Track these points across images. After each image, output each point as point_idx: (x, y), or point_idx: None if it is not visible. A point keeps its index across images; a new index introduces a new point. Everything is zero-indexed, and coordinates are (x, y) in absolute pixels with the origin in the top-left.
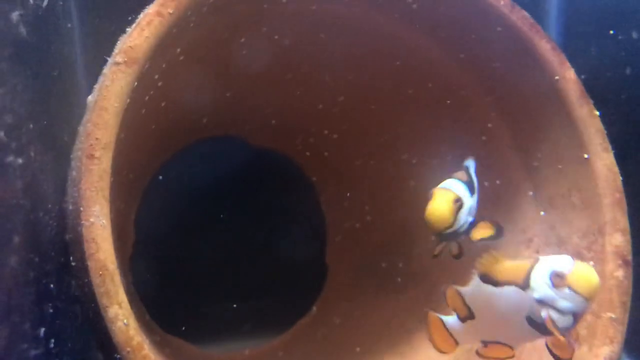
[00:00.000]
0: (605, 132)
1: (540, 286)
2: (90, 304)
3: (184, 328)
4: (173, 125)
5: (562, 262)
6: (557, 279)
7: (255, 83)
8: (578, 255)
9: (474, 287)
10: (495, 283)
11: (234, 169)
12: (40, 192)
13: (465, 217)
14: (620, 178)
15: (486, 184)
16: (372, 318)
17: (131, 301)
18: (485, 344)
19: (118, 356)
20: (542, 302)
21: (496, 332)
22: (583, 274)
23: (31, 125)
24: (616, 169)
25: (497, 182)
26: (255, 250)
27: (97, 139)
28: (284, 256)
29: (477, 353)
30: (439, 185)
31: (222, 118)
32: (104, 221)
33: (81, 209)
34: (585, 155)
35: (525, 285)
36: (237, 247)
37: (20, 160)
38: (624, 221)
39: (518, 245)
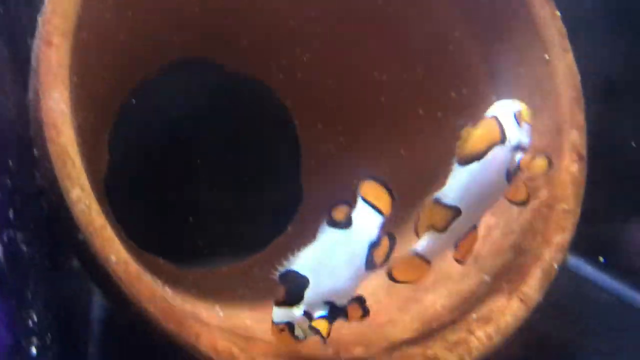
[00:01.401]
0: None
1: (513, 132)
2: (52, 190)
3: (160, 248)
4: (143, 41)
5: (511, 104)
6: (519, 119)
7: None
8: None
9: (454, 182)
10: (478, 155)
11: (208, 93)
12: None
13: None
14: (579, 77)
15: (453, 94)
16: None
17: (106, 219)
18: (457, 244)
19: (81, 237)
20: (516, 147)
21: (480, 215)
22: (525, 106)
23: None
24: (575, 68)
25: (464, 91)
26: (231, 174)
27: (55, 25)
28: (259, 179)
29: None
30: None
31: (193, 37)
32: (63, 107)
33: (40, 95)
34: (546, 57)
35: (504, 137)
36: (213, 171)
37: None
38: (580, 118)
39: None
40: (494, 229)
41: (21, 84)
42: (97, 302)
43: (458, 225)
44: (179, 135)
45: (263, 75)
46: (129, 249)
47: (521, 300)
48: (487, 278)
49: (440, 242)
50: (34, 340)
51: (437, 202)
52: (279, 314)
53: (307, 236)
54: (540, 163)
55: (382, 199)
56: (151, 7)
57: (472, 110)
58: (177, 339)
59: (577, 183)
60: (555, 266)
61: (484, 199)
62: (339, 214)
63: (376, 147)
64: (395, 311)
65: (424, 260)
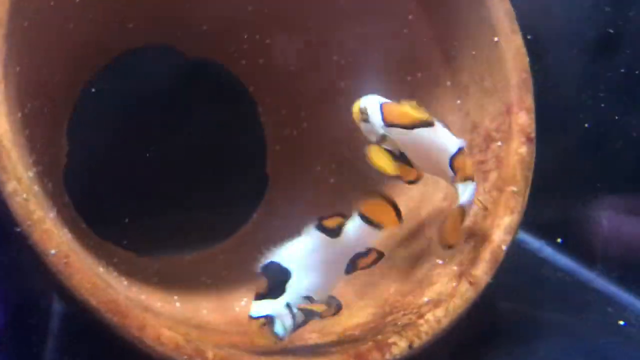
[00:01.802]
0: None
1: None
2: None
3: (122, 238)
4: (95, 29)
5: None
6: None
7: None
8: (488, 138)
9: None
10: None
11: (170, 80)
12: None
13: None
14: (527, 58)
15: (409, 78)
16: (310, 214)
17: (63, 210)
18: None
19: (19, 229)
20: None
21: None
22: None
23: None
24: (524, 49)
25: (419, 75)
26: (194, 162)
27: None
28: (224, 167)
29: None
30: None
31: (149, 23)
32: None
33: None
34: (495, 39)
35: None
36: (176, 159)
37: None
38: (529, 100)
39: None
40: (447, 211)
41: None
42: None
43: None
44: (140, 123)
45: (225, 61)
46: (86, 239)
47: (470, 282)
48: (440, 262)
49: None
50: None
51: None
52: (259, 307)
53: (273, 223)
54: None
55: (386, 213)
56: None
57: (427, 93)
58: (120, 331)
59: (525, 165)
60: (504, 248)
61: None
62: (331, 222)
63: (338, 132)
64: (352, 297)
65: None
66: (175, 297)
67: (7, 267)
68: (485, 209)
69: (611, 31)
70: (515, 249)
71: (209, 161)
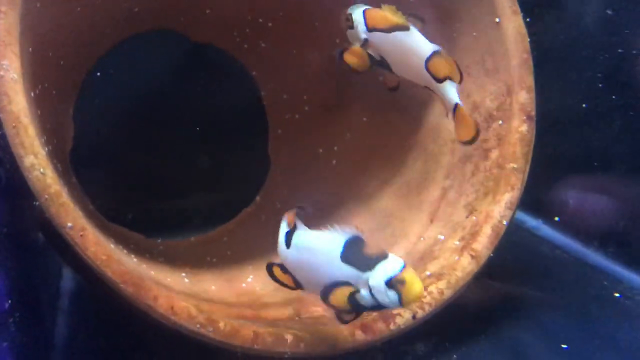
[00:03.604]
0: None
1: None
2: (7, 158)
3: (128, 220)
4: (102, 12)
5: None
6: None
7: None
8: (490, 117)
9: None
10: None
11: (174, 64)
12: None
13: None
14: (528, 39)
15: None
16: (312, 197)
17: (72, 191)
18: None
19: (37, 203)
20: None
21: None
22: None
23: None
24: (524, 30)
25: None
26: (198, 145)
27: None
28: (227, 149)
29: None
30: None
31: (155, 7)
32: (14, 75)
33: None
34: (497, 19)
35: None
36: (180, 142)
37: None
38: (529, 80)
39: (439, 114)
40: (448, 190)
41: None
42: (67, 275)
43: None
44: (145, 106)
45: (228, 45)
46: (94, 219)
47: (472, 256)
48: (441, 237)
49: None
50: None
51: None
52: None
53: (275, 205)
54: None
55: None
56: None
57: None
58: (135, 301)
59: (526, 142)
60: (505, 223)
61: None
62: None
63: (340, 114)
64: None
65: None
66: (183, 274)
67: (15, 245)
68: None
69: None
70: (513, 228)
71: (212, 144)
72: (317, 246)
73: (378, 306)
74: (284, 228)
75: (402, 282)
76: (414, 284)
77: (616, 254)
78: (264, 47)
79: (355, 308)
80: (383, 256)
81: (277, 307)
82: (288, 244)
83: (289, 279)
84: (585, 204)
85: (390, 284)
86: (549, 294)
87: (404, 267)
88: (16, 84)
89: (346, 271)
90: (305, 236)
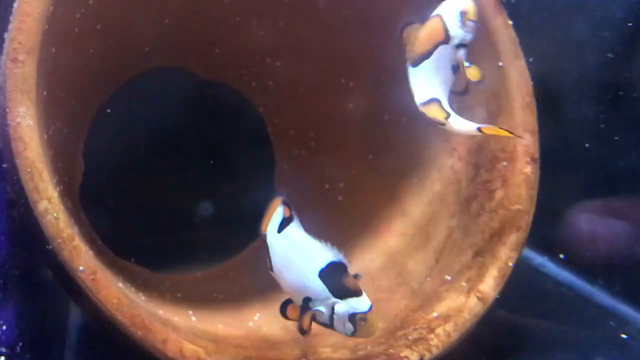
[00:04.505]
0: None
1: (456, 31)
2: (21, 202)
3: (135, 254)
4: (113, 53)
5: (457, 2)
6: (464, 17)
7: (193, 9)
8: (494, 159)
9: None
10: (426, 55)
11: (182, 101)
12: None
13: None
14: (530, 82)
15: None
16: (318, 232)
17: (81, 227)
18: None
19: (50, 247)
20: (459, 46)
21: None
22: (471, 4)
23: None
24: (527, 73)
25: None
26: (205, 180)
27: (20, 43)
28: (234, 185)
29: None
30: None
31: (164, 47)
32: (30, 122)
33: (7, 110)
34: (500, 64)
35: (447, 38)
36: (187, 177)
37: None
38: (533, 122)
39: (444, 154)
40: (454, 230)
41: None
42: (75, 311)
43: None
44: (153, 142)
45: (236, 84)
46: (102, 256)
47: (479, 298)
48: (448, 278)
49: None
50: (2, 349)
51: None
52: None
53: None
54: (474, 72)
55: None
56: (121, 20)
57: None
58: (144, 344)
59: (530, 184)
60: (511, 264)
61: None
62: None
63: (345, 151)
64: None
65: None
66: (190, 312)
67: (24, 281)
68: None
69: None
70: (519, 265)
71: (219, 179)
72: (304, 248)
73: (329, 326)
74: (280, 212)
75: (364, 319)
76: (374, 326)
77: (622, 293)
78: (272, 86)
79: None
80: (357, 293)
81: (284, 348)
82: (280, 230)
83: (306, 321)
84: (590, 241)
85: (353, 319)
86: (555, 332)
87: (371, 308)
88: (32, 131)
89: (318, 287)
90: (298, 232)
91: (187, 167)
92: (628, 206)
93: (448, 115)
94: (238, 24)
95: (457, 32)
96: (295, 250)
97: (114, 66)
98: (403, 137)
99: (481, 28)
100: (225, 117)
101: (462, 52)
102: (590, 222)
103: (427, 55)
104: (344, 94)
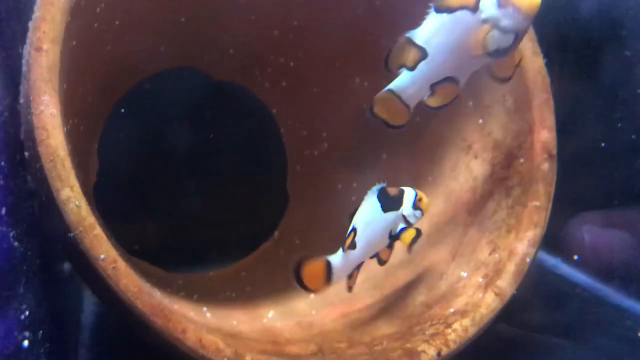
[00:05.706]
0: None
1: (488, 7)
2: (43, 190)
3: (148, 254)
4: (130, 50)
5: None
6: (417, 203)
7: (209, 8)
8: (510, 155)
9: (426, 25)
10: (450, 9)
11: (196, 102)
12: None
13: None
14: (548, 79)
15: None
16: (329, 232)
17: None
18: (433, 89)
19: (71, 235)
20: (486, 21)
21: (448, 66)
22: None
23: None
24: (545, 71)
25: None
26: (218, 180)
27: (44, 32)
28: (247, 185)
29: (426, 105)
30: None
31: (179, 46)
32: (53, 110)
33: (31, 98)
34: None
35: (475, 7)
36: (200, 177)
37: None
38: (550, 119)
39: (459, 152)
40: (470, 227)
41: (12, 89)
42: (88, 309)
43: (428, 68)
44: (166, 142)
45: (249, 84)
46: (118, 251)
47: (496, 294)
48: (464, 274)
49: (413, 81)
50: (26, 334)
51: (408, 39)
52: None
53: (293, 241)
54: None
55: None
56: (139, 17)
57: (450, 114)
58: (164, 334)
59: (547, 181)
60: (528, 260)
61: (450, 51)
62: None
63: (358, 152)
64: (378, 310)
65: (401, 101)
66: (205, 309)
67: (44, 272)
68: None
69: None
70: (533, 266)
71: (232, 179)
72: None
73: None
74: None
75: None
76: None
77: (638, 293)
78: (285, 86)
79: None
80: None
81: (300, 343)
82: None
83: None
84: (604, 242)
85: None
86: (571, 333)
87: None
88: (55, 119)
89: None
90: None
91: (200, 167)
92: (633, 220)
93: None
94: (252, 24)
95: (490, 9)
96: None
97: (128, 64)
98: (417, 136)
99: None
100: (238, 117)
101: (491, 33)
102: (596, 236)
103: (451, 10)
104: (357, 93)
